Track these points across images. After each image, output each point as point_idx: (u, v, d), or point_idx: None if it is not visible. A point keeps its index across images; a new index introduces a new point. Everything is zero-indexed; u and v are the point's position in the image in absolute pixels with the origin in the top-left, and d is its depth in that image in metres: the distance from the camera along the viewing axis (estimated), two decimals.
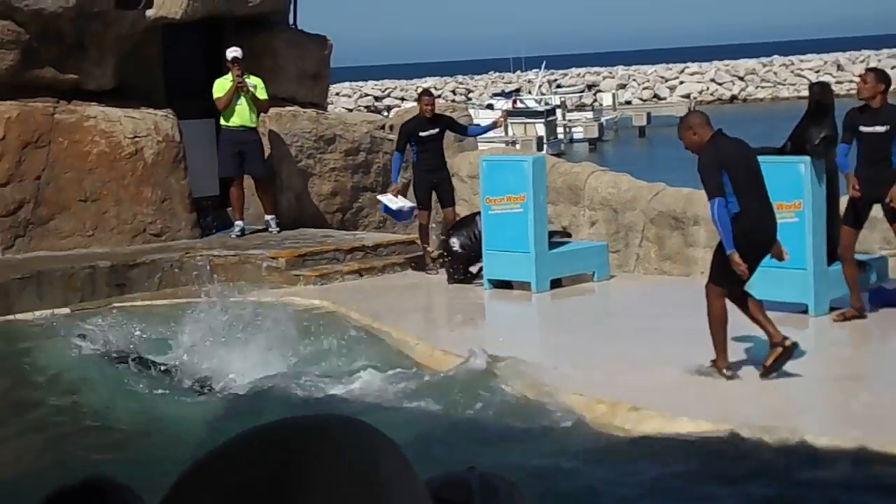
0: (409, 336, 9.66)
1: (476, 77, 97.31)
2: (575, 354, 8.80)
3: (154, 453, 7.11)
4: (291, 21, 15.17)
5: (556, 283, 11.49)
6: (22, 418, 8.39)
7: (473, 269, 11.84)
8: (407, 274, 12.48)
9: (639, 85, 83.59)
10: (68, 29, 12.80)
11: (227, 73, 13.30)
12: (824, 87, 10.44)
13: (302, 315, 10.42)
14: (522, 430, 7.30)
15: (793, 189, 9.51)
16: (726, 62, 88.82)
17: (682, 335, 8.92)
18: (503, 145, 37.89)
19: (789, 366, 7.90)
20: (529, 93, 68.83)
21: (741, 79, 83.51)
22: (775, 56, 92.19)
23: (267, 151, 13.87)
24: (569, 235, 12.35)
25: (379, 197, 13.33)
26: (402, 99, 77.39)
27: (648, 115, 64.92)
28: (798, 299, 9.63)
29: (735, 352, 8.15)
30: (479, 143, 16.90)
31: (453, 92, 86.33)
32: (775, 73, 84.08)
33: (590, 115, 62.15)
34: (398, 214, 12.79)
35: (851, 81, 59.95)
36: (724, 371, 7.89)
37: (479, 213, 11.84)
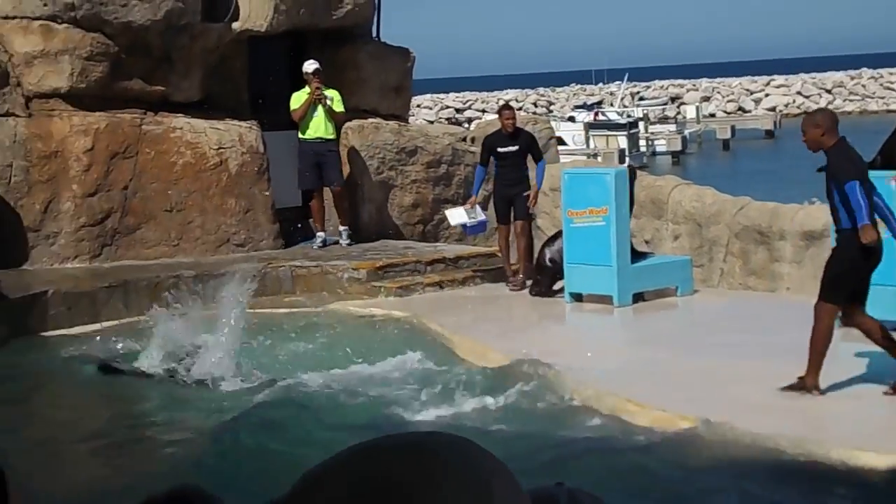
0: (488, 348, 9.61)
1: (558, 89, 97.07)
2: (657, 369, 8.69)
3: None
4: (375, 33, 15.25)
5: (638, 298, 11.37)
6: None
7: (556, 287, 11.74)
8: (487, 286, 12.44)
9: (723, 97, 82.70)
10: (156, 41, 13.00)
11: (305, 86, 13.41)
12: None
13: (382, 325, 10.46)
14: (604, 445, 7.22)
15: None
16: (813, 75, 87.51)
17: (768, 351, 8.76)
18: (584, 158, 37.74)
19: (879, 385, 7.71)
20: (611, 105, 68.49)
21: (828, 91, 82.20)
22: (864, 69, 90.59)
23: (348, 163, 13.95)
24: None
25: (446, 212, 13.32)
26: (483, 111, 77.45)
27: (733, 128, 64.16)
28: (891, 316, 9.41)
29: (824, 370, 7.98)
30: (560, 156, 16.83)
31: (534, 104, 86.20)
32: (863, 86, 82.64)
33: (673, 127, 61.61)
34: (466, 228, 12.73)
35: None
36: (814, 390, 7.71)
37: None
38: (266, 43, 13.96)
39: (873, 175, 9.43)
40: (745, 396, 7.79)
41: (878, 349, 7.86)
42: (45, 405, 9.12)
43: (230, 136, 13.29)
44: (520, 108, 76.44)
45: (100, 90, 12.85)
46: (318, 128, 13.37)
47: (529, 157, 12.38)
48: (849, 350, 8.32)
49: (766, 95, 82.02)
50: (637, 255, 11.55)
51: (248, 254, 13.05)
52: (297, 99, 13.37)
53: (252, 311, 11.51)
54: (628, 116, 58.80)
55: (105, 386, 9.39)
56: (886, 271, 8.63)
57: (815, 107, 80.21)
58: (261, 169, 13.38)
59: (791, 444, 6.82)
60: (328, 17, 14.30)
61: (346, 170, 13.85)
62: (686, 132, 60.62)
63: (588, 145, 51.40)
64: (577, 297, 11.52)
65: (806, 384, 7.74)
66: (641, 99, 77.21)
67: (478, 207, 12.70)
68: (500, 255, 12.58)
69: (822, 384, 7.80)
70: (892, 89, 78.67)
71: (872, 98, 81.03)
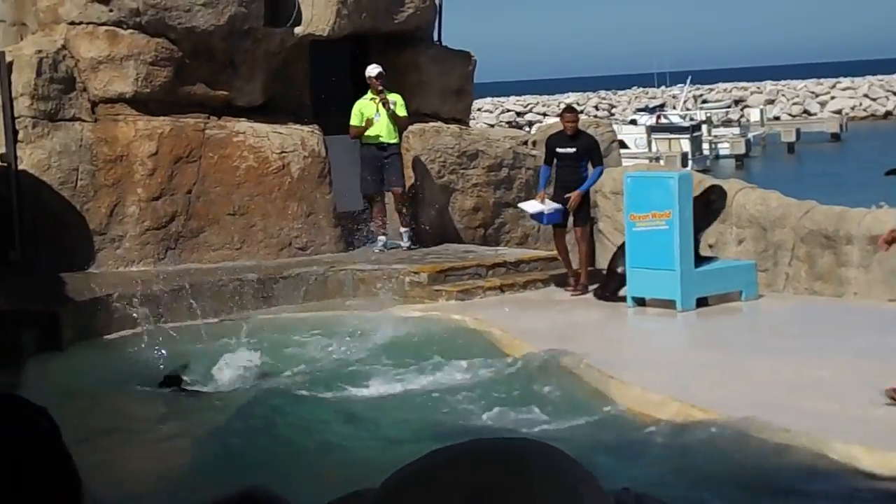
0: (551, 353, 9.55)
1: (619, 92, 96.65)
2: (722, 375, 8.58)
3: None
4: (436, 37, 15.26)
5: (701, 303, 11.25)
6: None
7: (622, 293, 11.63)
8: (549, 290, 12.38)
9: (788, 100, 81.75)
10: (220, 46, 13.11)
11: (367, 90, 13.43)
12: None
13: (443, 329, 10.44)
14: (667, 451, 7.14)
15: None
16: (880, 77, 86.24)
17: (836, 357, 8.62)
18: (647, 161, 37.52)
19: None
20: (674, 108, 67.99)
21: None
22: None
23: (409, 167, 13.95)
24: None
25: (520, 205, 13.19)
26: (544, 114, 77.27)
27: (798, 131, 63.38)
28: None
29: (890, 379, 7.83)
30: (622, 159, 16.73)
31: (596, 107, 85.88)
32: None
33: (736, 130, 60.99)
34: (543, 217, 12.47)
35: None
36: None
37: None
38: (328, 47, 14.02)
39: None
40: (815, 404, 7.65)
41: None
42: (107, 409, 9.18)
43: (292, 141, 13.35)
44: (581, 112, 75.78)
45: (164, 95, 12.98)
46: (381, 132, 13.38)
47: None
48: None
49: (832, 98, 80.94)
50: (701, 260, 11.43)
51: (309, 257, 13.11)
52: (358, 113, 13.35)
53: (314, 314, 11.59)
54: (691, 119, 58.33)
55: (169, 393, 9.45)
56: None
57: (882, 110, 79.25)
58: (322, 173, 13.43)
59: (865, 453, 6.69)
60: (390, 20, 14.32)
61: (406, 173, 13.86)
62: (750, 135, 59.99)
63: (650, 149, 51.07)
64: (640, 302, 11.42)
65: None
66: (704, 102, 76.60)
67: (548, 200, 12.48)
68: (560, 258, 12.50)
69: None
70: None
71: None
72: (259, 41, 13.35)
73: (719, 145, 57.30)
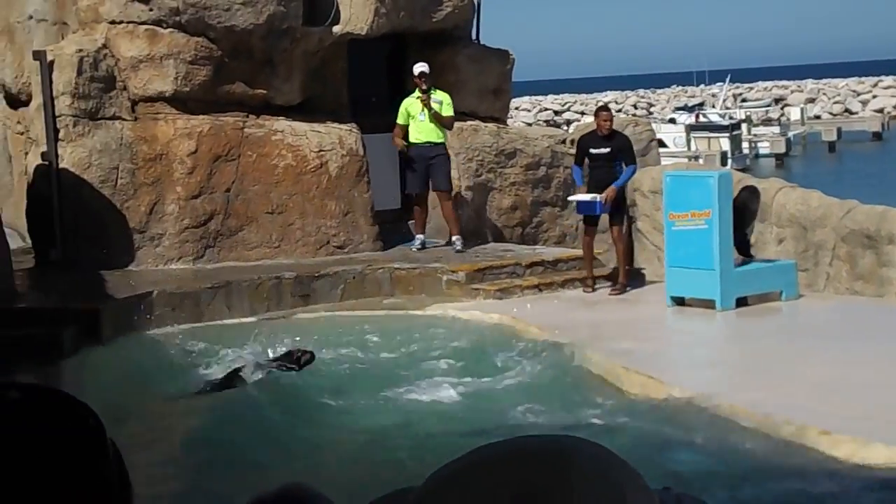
0: (588, 351, 9.51)
1: (658, 91, 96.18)
2: (761, 374, 8.52)
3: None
4: (474, 35, 15.23)
5: (741, 302, 11.17)
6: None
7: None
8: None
9: (829, 99, 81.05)
10: (258, 45, 13.16)
11: (413, 89, 13.38)
12: None
13: (482, 328, 10.42)
14: (708, 451, 7.09)
15: None
16: None
17: (878, 358, 8.52)
18: (686, 160, 37.32)
19: None
20: (713, 107, 67.59)
21: None
22: None
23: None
24: None
25: (570, 198, 13.00)
26: (582, 113, 77.02)
27: (839, 130, 62.82)
28: None
29: None
30: (661, 158, 16.64)
31: (634, 106, 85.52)
32: None
33: (776, 129, 60.54)
34: (594, 206, 12.14)
35: None
36: None
37: None
38: (366, 46, 14.03)
39: None
40: (856, 405, 7.58)
41: None
42: (144, 406, 9.22)
43: (330, 139, 13.38)
44: (619, 110, 75.93)
45: (203, 94, 13.04)
46: (428, 131, 13.27)
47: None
48: None
49: (874, 97, 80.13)
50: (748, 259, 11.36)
51: (347, 255, 13.13)
52: (406, 105, 13.26)
53: (352, 313, 11.61)
54: (730, 118, 57.96)
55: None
56: None
57: None
58: (360, 171, 13.44)
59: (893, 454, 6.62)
60: (428, 19, 14.32)
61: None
62: (790, 134, 59.53)
63: (689, 147, 50.78)
64: (679, 301, 11.36)
65: None
66: (744, 100, 76.10)
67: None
68: (596, 258, 12.44)
69: None
70: None
71: None
72: (297, 40, 13.39)
73: (759, 144, 56.87)
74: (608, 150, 12.06)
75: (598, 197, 11.93)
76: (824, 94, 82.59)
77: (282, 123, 13.32)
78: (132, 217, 12.67)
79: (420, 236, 13.51)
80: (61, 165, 12.47)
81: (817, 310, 11.04)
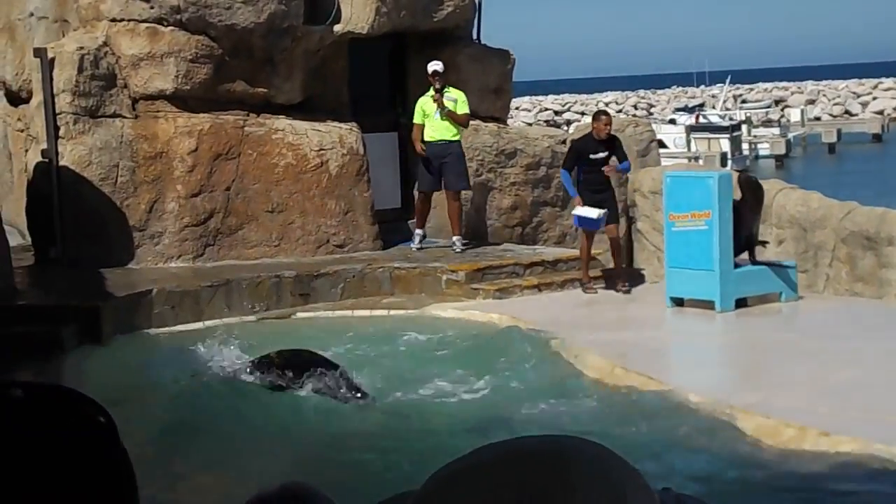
0: (588, 352, 9.51)
1: (658, 91, 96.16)
2: (761, 375, 8.52)
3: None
4: (475, 35, 15.23)
5: (740, 303, 11.17)
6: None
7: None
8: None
9: (829, 101, 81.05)
10: (259, 44, 13.16)
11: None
12: None
13: (482, 328, 10.42)
14: (706, 452, 7.09)
15: None
16: None
17: (878, 359, 8.52)
18: (686, 161, 37.31)
19: None
20: (713, 108, 67.59)
21: None
22: None
23: None
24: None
25: (576, 212, 13.00)
26: (582, 114, 76.98)
27: (839, 131, 62.82)
28: None
29: None
30: (661, 159, 16.63)
31: (634, 107, 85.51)
32: None
33: (776, 130, 60.53)
34: (596, 223, 12.17)
35: None
36: None
37: None
38: (367, 45, 14.03)
39: None
40: (855, 406, 7.58)
41: None
42: (146, 403, 9.22)
43: (331, 138, 13.38)
44: (619, 111, 75.88)
45: (204, 92, 13.04)
46: (442, 129, 13.23)
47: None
48: None
49: (874, 99, 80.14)
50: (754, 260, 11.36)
51: (347, 255, 13.14)
52: (421, 104, 13.20)
53: (351, 312, 11.61)
54: (730, 119, 57.95)
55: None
56: None
57: None
58: (360, 170, 13.44)
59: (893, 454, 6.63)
60: (429, 19, 14.32)
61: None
62: (790, 135, 59.53)
63: (689, 148, 50.78)
64: (678, 302, 11.36)
65: None
66: (744, 102, 76.07)
67: (588, 207, 12.25)
68: (595, 259, 12.44)
69: None
70: None
71: None
72: (298, 39, 13.39)
73: (759, 145, 56.86)
74: (606, 153, 12.09)
75: (602, 213, 11.94)
76: (824, 95, 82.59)
77: (282, 122, 13.33)
78: (132, 215, 12.67)
79: (419, 231, 13.48)
80: (61, 163, 12.47)
81: (817, 311, 11.05)
